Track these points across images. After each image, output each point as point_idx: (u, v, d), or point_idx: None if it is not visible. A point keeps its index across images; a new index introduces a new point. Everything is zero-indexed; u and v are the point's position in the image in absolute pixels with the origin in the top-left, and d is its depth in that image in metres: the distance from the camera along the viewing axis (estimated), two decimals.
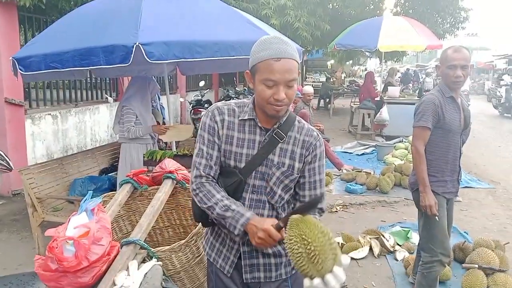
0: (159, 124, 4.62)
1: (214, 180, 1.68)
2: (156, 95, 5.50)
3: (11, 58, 3.59)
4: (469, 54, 2.80)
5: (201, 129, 1.69)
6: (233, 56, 3.57)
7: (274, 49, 1.51)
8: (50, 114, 6.62)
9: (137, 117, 4.23)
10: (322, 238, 1.31)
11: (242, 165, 1.65)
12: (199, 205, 1.67)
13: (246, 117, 1.66)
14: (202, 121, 1.70)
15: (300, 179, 1.70)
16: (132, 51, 3.09)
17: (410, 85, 18.32)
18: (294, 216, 1.38)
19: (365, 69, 26.45)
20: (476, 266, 3.40)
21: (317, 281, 1.31)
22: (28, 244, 4.27)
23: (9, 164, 2.23)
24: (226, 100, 11.38)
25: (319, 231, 1.32)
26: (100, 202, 1.98)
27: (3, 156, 2.22)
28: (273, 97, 1.53)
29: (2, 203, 5.53)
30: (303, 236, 1.30)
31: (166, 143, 5.03)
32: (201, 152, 1.67)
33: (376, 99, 10.19)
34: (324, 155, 1.74)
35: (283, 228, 1.46)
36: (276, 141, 1.64)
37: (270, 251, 1.71)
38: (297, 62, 1.56)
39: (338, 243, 4.20)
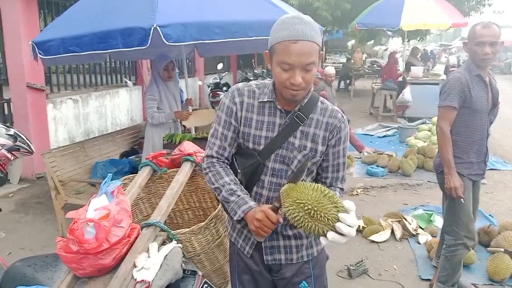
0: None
1: (227, 162, 1.66)
2: (176, 77, 5.48)
3: (30, 42, 3.62)
4: (499, 30, 2.67)
5: (219, 109, 1.67)
6: (252, 36, 3.50)
7: (292, 30, 1.43)
8: (71, 98, 6.70)
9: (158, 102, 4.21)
10: (314, 193, 1.32)
11: (261, 147, 1.61)
12: (208, 184, 1.66)
13: (265, 99, 1.61)
14: (221, 101, 1.68)
15: (323, 162, 1.66)
16: (150, 33, 3.06)
17: (429, 64, 17.90)
18: (283, 188, 1.38)
19: (386, 49, 25.90)
20: (502, 249, 3.32)
21: (330, 234, 1.31)
22: (52, 226, 4.37)
23: (30, 147, 2.24)
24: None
25: (310, 188, 1.33)
26: (120, 185, 1.98)
27: (24, 140, 2.23)
28: (289, 81, 1.47)
29: (26, 186, 5.66)
30: (297, 201, 1.30)
31: (185, 125, 5.01)
32: (216, 132, 1.65)
33: (398, 79, 9.94)
34: (347, 137, 1.68)
35: (280, 209, 1.43)
36: (297, 124, 1.59)
37: (290, 233, 1.69)
38: (318, 45, 1.47)
39: (359, 226, 4.16)
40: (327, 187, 1.61)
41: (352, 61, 18.40)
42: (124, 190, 2.25)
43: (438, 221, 4.18)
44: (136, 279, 1.68)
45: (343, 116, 1.66)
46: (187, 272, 1.79)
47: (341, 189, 1.71)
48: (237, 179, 1.63)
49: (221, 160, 1.65)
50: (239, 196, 1.56)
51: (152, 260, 1.75)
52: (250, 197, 1.63)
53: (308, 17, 1.51)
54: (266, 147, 1.60)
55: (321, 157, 1.63)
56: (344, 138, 1.65)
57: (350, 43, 23.63)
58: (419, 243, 3.88)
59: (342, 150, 1.66)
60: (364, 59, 21.69)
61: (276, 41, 1.46)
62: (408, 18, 8.89)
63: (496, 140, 7.71)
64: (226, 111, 1.64)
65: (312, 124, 1.61)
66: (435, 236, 3.92)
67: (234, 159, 1.66)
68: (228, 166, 1.66)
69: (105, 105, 7.52)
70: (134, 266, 1.74)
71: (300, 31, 1.42)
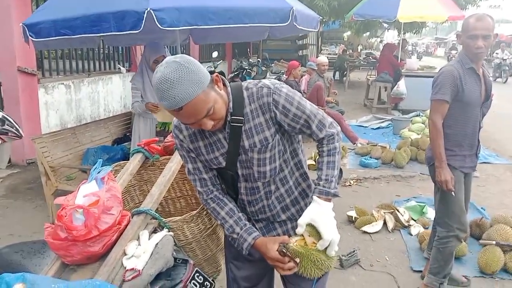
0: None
1: (215, 190, 1.69)
2: None
3: (21, 24, 3.52)
4: (493, 22, 2.62)
5: (177, 149, 1.71)
6: (247, 23, 3.44)
7: (169, 99, 1.34)
8: (63, 83, 6.60)
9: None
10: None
11: (224, 164, 1.62)
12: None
13: None
14: (174, 142, 1.71)
15: (294, 130, 1.58)
16: (143, 17, 3.00)
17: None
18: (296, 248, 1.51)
19: (381, 41, 25.85)
20: (494, 242, 3.32)
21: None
22: (42, 212, 4.32)
23: (18, 131, 2.19)
24: (239, 72, 11.10)
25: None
26: (110, 171, 1.94)
27: (12, 123, 2.18)
28: (202, 128, 1.48)
29: (17, 172, 5.59)
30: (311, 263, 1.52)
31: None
32: (188, 170, 1.71)
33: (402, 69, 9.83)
34: (291, 95, 1.54)
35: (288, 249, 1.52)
36: (238, 127, 1.54)
37: (284, 217, 1.71)
38: (203, 90, 1.38)
39: (352, 217, 4.16)
40: (324, 145, 1.61)
41: (348, 53, 18.35)
42: (115, 177, 2.21)
43: (431, 213, 4.19)
44: (126, 267, 1.64)
45: (269, 86, 1.52)
46: (178, 260, 1.76)
47: (332, 134, 1.59)
48: (233, 208, 1.67)
49: (210, 194, 1.68)
50: (238, 233, 1.63)
51: (142, 248, 1.71)
52: (237, 204, 1.70)
53: (177, 64, 1.36)
54: (227, 162, 1.61)
55: (274, 138, 1.55)
56: (288, 101, 1.52)
57: (346, 34, 23.53)
58: (411, 235, 3.88)
59: (296, 109, 1.53)
60: (359, 50, 21.61)
61: (166, 108, 1.40)
62: (405, 10, 8.85)
63: (489, 134, 7.73)
64: (181, 148, 1.68)
65: (249, 118, 1.54)
66: (427, 228, 3.92)
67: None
68: (219, 195, 1.69)
69: (97, 91, 7.42)
70: (124, 254, 1.70)
71: (177, 97, 1.34)
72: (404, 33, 12.59)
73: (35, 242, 1.94)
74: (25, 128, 5.57)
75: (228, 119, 1.53)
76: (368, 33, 20.34)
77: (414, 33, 15.95)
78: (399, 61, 10.18)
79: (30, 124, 5.70)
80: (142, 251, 1.70)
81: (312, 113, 1.57)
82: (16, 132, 2.15)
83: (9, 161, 5.81)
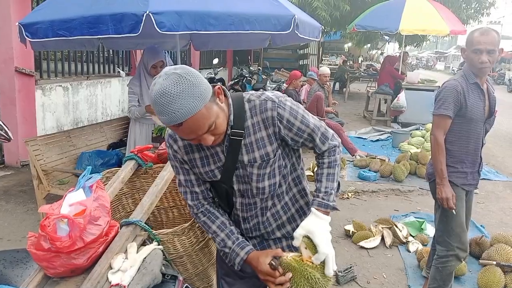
0: None
1: (206, 203, 1.62)
2: None
3: (17, 23, 3.45)
4: (497, 37, 2.56)
5: (170, 160, 1.62)
6: (248, 30, 3.38)
7: (169, 114, 1.25)
8: (61, 85, 6.52)
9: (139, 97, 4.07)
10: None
11: (219, 177, 1.54)
12: None
13: None
14: (167, 151, 1.62)
15: (296, 143, 1.52)
16: (141, 20, 2.94)
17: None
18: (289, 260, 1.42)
19: (382, 53, 25.93)
20: (494, 262, 3.24)
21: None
22: (33, 216, 4.22)
23: (7, 134, 2.11)
24: (240, 79, 11.02)
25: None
26: (99, 179, 1.86)
27: (1, 125, 2.10)
28: (204, 144, 1.39)
29: (10, 174, 5.49)
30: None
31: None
32: (179, 181, 1.62)
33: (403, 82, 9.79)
34: (295, 108, 1.49)
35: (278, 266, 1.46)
36: (237, 141, 1.47)
37: (279, 234, 1.64)
38: (205, 105, 1.28)
39: (349, 231, 4.07)
40: (325, 157, 1.57)
41: (348, 63, 18.34)
42: (105, 184, 2.13)
43: (429, 230, 4.11)
44: (111, 282, 1.55)
45: (274, 99, 1.46)
46: (167, 276, 1.67)
47: (334, 147, 1.56)
48: (224, 222, 1.60)
49: (200, 207, 1.61)
50: (230, 248, 1.56)
51: (129, 262, 1.62)
52: (231, 218, 1.63)
53: (177, 76, 1.25)
54: (223, 175, 1.53)
55: (276, 153, 1.50)
56: (293, 115, 1.46)
57: (347, 45, 23.58)
58: (409, 251, 3.79)
59: (300, 123, 1.48)
60: (359, 62, 21.64)
61: (165, 124, 1.33)
62: (407, 22, 8.83)
63: (489, 150, 7.68)
64: (174, 159, 1.58)
65: (250, 131, 1.47)
66: (426, 245, 3.84)
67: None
68: (211, 208, 1.62)
69: (96, 94, 7.34)
70: (110, 267, 1.62)
71: (177, 112, 1.24)
72: (405, 46, 12.61)
73: (18, 251, 1.84)
74: (21, 130, 5.50)
75: (228, 132, 1.45)
76: (369, 45, 20.37)
77: (415, 46, 15.96)
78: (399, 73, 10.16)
79: (26, 125, 5.62)
80: (129, 265, 1.61)
81: (316, 126, 1.53)
82: (4, 134, 2.07)
83: (3, 162, 5.73)
